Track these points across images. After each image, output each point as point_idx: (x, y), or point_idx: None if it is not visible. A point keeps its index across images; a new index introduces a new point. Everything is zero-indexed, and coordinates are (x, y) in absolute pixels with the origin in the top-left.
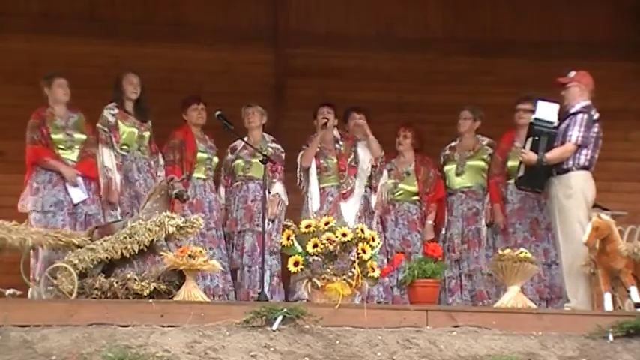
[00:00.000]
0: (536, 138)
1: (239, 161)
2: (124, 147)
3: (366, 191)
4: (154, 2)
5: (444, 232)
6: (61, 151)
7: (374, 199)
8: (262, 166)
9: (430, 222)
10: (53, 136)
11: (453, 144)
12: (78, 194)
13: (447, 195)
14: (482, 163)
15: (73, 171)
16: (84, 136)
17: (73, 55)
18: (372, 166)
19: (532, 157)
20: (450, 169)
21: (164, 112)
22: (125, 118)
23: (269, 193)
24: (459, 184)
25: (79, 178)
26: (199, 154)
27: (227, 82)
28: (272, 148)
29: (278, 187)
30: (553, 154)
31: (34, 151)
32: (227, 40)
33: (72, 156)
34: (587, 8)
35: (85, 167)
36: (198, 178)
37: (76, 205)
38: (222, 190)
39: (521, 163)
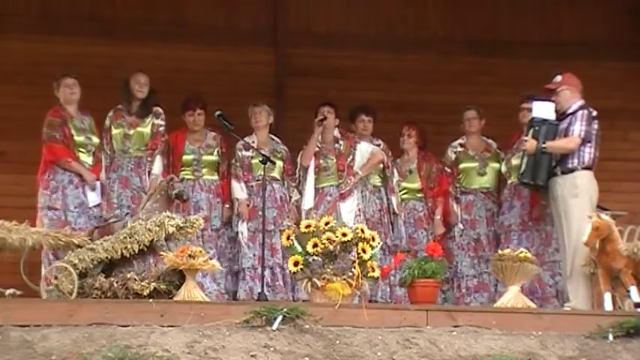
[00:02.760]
0: (537, 128)
1: (257, 160)
2: (115, 146)
3: (380, 191)
4: (153, 2)
5: (461, 227)
6: (80, 154)
7: (394, 201)
8: (281, 166)
9: (438, 217)
10: (76, 138)
11: (461, 141)
12: (94, 198)
13: (462, 193)
14: (499, 166)
15: (93, 175)
16: (98, 140)
17: (73, 56)
18: (384, 167)
19: (533, 143)
20: (471, 167)
21: (164, 112)
22: (118, 119)
23: (290, 198)
24: (480, 184)
25: (97, 182)
26: (184, 157)
27: (227, 82)
28: (284, 150)
29: (297, 194)
30: (555, 143)
31: (54, 149)
32: (227, 40)
33: (88, 159)
34: (587, 8)
35: (97, 171)
36: (187, 179)
37: (89, 208)
38: (241, 184)
39: (523, 157)
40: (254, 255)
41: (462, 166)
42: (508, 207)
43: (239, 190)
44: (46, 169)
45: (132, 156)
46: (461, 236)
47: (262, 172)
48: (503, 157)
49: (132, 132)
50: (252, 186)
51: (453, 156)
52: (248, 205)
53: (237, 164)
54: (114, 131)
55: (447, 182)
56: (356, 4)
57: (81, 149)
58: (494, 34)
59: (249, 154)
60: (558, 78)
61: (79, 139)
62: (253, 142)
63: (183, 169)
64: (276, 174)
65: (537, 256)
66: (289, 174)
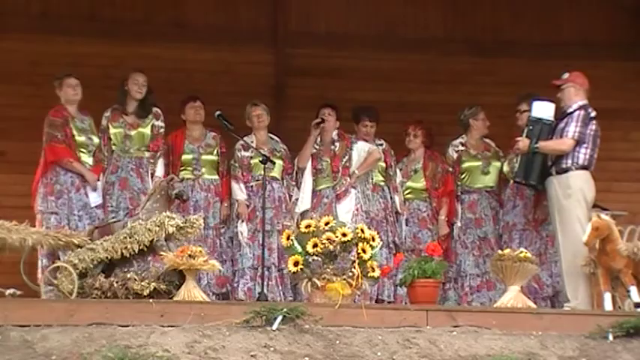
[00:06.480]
0: (531, 127)
1: (257, 160)
2: (113, 147)
3: (383, 190)
4: (154, 2)
5: (459, 225)
6: (81, 154)
7: (397, 200)
8: (281, 165)
9: (443, 217)
10: (77, 138)
11: (462, 140)
12: (95, 198)
13: (465, 192)
14: (500, 165)
15: (94, 175)
16: (98, 140)
17: (73, 56)
18: (387, 166)
19: (525, 142)
20: (475, 166)
21: (164, 112)
22: (116, 120)
23: (289, 196)
24: (483, 184)
25: (98, 182)
26: (184, 157)
27: (227, 82)
28: (284, 149)
29: (297, 192)
30: (547, 143)
31: (55, 149)
32: (227, 40)
33: (89, 160)
34: (587, 8)
35: (98, 171)
36: (187, 179)
37: (91, 208)
38: (240, 185)
39: (518, 155)
40: (254, 255)
41: (465, 165)
42: (511, 206)
43: (238, 191)
44: (47, 171)
45: (132, 156)
46: (464, 234)
47: (262, 172)
48: (503, 155)
49: (133, 133)
50: (251, 186)
51: (455, 155)
52: (248, 206)
53: (237, 165)
54: (113, 131)
55: (453, 183)
56: (356, 4)
57: (82, 149)
58: (494, 34)
59: (248, 154)
60: (566, 75)
61: (81, 139)
62: (252, 141)
63: (182, 168)
64: (275, 174)
65: (538, 256)
66: (289, 172)
